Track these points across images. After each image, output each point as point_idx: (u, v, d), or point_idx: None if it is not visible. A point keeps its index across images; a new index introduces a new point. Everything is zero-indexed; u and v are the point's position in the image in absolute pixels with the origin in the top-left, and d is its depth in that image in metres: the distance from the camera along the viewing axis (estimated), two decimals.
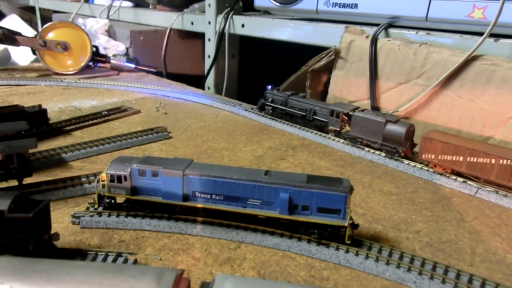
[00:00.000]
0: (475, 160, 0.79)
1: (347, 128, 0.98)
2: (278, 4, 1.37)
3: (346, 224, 0.57)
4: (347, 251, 0.58)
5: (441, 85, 0.91)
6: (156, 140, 1.00)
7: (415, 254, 0.57)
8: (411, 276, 0.53)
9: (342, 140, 0.99)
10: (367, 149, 0.95)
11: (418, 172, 0.85)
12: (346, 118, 0.97)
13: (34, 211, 0.49)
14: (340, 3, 1.21)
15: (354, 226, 0.60)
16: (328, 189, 0.57)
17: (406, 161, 0.88)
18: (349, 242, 0.58)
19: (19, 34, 1.66)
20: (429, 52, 0.92)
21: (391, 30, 1.07)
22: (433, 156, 0.84)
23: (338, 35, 1.19)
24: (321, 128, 1.06)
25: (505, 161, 0.75)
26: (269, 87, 1.20)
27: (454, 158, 0.81)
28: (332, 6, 1.24)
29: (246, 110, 1.23)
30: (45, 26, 1.67)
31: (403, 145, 0.88)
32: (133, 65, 1.80)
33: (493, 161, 0.76)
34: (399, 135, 0.88)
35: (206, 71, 1.76)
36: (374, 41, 1.03)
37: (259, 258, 0.58)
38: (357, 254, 0.57)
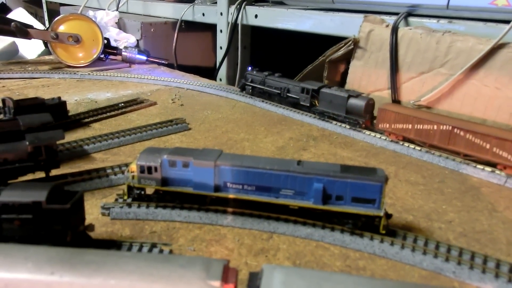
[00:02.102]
0: (421, 127, 0.89)
1: (316, 103, 1.08)
2: None
3: (382, 214, 0.57)
4: (382, 241, 0.57)
5: (466, 73, 0.89)
6: (176, 132, 1.00)
7: (451, 244, 0.56)
8: (450, 266, 0.52)
9: (363, 131, 0.99)
10: (389, 139, 0.94)
11: (444, 162, 0.84)
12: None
13: (71, 202, 0.49)
14: None
15: (387, 216, 0.60)
16: (364, 179, 0.56)
17: (424, 149, 0.88)
18: (384, 232, 0.58)
19: (31, 27, 1.65)
20: (452, 41, 0.91)
21: (411, 19, 1.06)
22: (387, 125, 0.94)
23: (355, 24, 1.18)
24: (295, 104, 1.15)
25: (445, 126, 0.85)
26: (249, 68, 1.29)
27: (404, 126, 0.91)
28: None
29: (262, 101, 1.22)
30: (56, 18, 1.66)
31: (363, 116, 0.98)
32: (144, 57, 1.79)
33: (435, 127, 0.87)
34: (359, 108, 0.98)
35: (218, 63, 1.75)
36: (394, 30, 1.02)
37: (292, 249, 0.58)
38: (392, 244, 0.56)
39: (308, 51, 1.43)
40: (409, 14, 1.06)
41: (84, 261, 0.37)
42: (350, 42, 1.11)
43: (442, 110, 0.94)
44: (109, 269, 0.36)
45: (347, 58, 1.16)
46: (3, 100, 0.91)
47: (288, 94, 1.14)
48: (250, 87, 1.26)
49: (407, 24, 1.05)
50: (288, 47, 1.91)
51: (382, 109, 0.94)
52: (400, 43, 1.02)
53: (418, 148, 0.89)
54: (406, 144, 0.91)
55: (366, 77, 1.11)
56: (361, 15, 1.15)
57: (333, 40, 1.23)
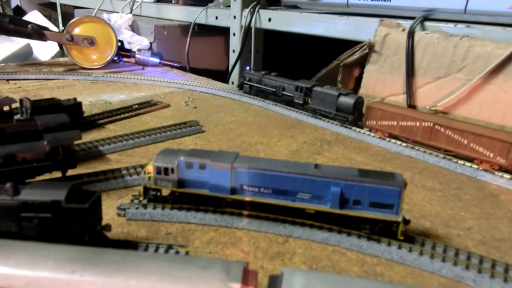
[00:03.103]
0: (405, 124, 0.94)
1: (309, 101, 1.13)
2: None
3: (400, 220, 0.56)
4: (399, 247, 0.56)
5: (484, 79, 0.88)
6: (190, 134, 1.00)
7: (471, 252, 0.55)
8: (470, 274, 0.51)
9: (377, 136, 0.98)
10: (404, 144, 0.93)
11: (461, 169, 0.83)
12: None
13: (89, 202, 0.49)
14: None
15: (406, 221, 0.59)
16: (382, 184, 0.56)
17: (441, 155, 0.87)
18: (402, 238, 0.57)
19: (47, 29, 1.68)
20: (470, 45, 0.90)
21: (427, 23, 1.05)
22: (374, 122, 0.99)
23: (369, 28, 1.17)
24: (289, 102, 1.20)
25: (426, 123, 0.90)
26: (247, 68, 1.36)
27: (389, 123, 0.96)
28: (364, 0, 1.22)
29: (276, 105, 1.22)
30: (72, 21, 1.68)
31: (352, 114, 1.03)
32: (157, 60, 1.80)
33: (417, 123, 0.91)
34: (348, 106, 1.02)
35: (230, 66, 1.76)
36: (411, 34, 1.01)
37: (309, 253, 0.57)
38: (410, 250, 0.56)
39: (321, 55, 1.43)
40: (426, 18, 1.05)
41: (104, 261, 0.37)
42: (365, 46, 1.10)
43: (459, 115, 0.93)
44: (129, 269, 0.36)
45: (362, 62, 1.15)
46: (21, 101, 0.92)
47: (283, 92, 1.19)
48: (248, 86, 1.31)
49: (423, 28, 1.04)
50: (301, 51, 1.91)
51: (369, 107, 0.99)
52: (416, 47, 1.01)
53: (435, 154, 0.88)
54: (422, 149, 0.90)
55: (381, 82, 1.10)
56: (376, 19, 1.14)
57: (346, 44, 1.23)
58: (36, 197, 0.48)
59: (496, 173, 0.79)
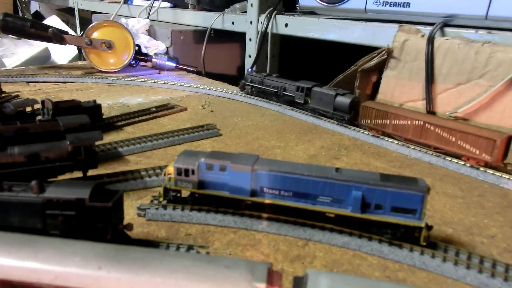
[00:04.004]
0: (397, 122, 0.97)
1: (309, 101, 1.18)
2: (325, 3, 1.35)
3: (423, 225, 0.55)
4: (422, 253, 0.55)
5: (507, 85, 0.87)
6: (207, 137, 1.00)
7: (496, 259, 0.54)
8: (496, 282, 0.50)
9: (396, 141, 0.97)
10: (424, 150, 0.92)
11: (483, 176, 0.81)
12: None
13: (112, 201, 0.49)
14: (391, 2, 1.19)
15: (428, 227, 0.58)
16: (405, 188, 0.55)
17: (461, 162, 0.86)
18: (424, 243, 0.56)
19: (66, 33, 1.71)
20: (492, 51, 0.89)
21: (447, 29, 1.04)
22: (368, 121, 1.03)
23: (387, 34, 1.17)
24: (290, 102, 1.24)
25: (417, 121, 0.93)
26: (249, 70, 1.40)
27: (383, 122, 1.00)
28: (382, 5, 1.21)
29: (292, 109, 1.22)
30: (91, 25, 1.71)
31: (348, 113, 1.07)
32: (173, 64, 1.82)
33: (409, 122, 0.95)
34: (345, 105, 1.07)
35: (246, 71, 1.76)
36: (431, 40, 1.00)
37: (329, 257, 0.57)
38: (433, 257, 0.55)
39: (338, 60, 1.42)
40: (445, 24, 1.04)
41: (130, 258, 0.37)
42: (384, 52, 1.10)
43: (480, 122, 0.92)
44: (155, 266, 0.36)
45: (380, 68, 1.14)
46: (43, 102, 0.93)
47: (284, 93, 1.24)
48: (250, 87, 1.35)
49: (443, 34, 1.03)
50: (317, 56, 1.91)
51: (364, 106, 1.03)
52: (436, 53, 1.00)
53: (455, 160, 0.87)
54: (442, 156, 0.89)
55: (400, 87, 1.09)
56: (395, 25, 1.13)
57: (363, 50, 1.22)
58: (61, 195, 0.49)
59: None
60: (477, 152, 0.84)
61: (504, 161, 0.84)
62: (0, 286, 0.36)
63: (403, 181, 0.56)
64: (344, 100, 1.08)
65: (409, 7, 1.14)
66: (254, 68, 1.66)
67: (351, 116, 1.07)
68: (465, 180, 0.82)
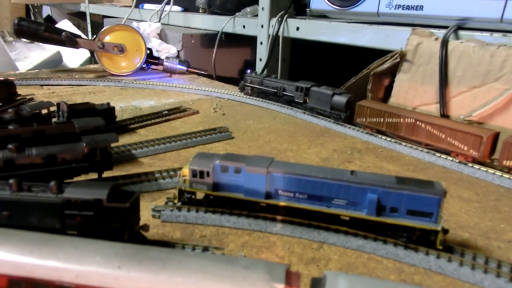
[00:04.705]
0: (390, 120, 1.01)
1: (307, 100, 1.22)
2: (337, 7, 1.35)
3: (439, 228, 0.55)
4: (438, 257, 0.55)
5: None
6: (219, 140, 1.00)
7: None
8: None
9: (409, 145, 0.97)
10: (438, 154, 0.91)
11: (499, 180, 0.81)
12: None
13: (130, 201, 0.50)
14: (404, 5, 1.18)
15: (444, 231, 0.58)
16: (421, 191, 0.55)
17: (476, 166, 0.86)
18: (440, 247, 0.56)
19: (79, 37, 1.73)
20: (508, 54, 0.88)
21: (461, 32, 1.03)
22: (364, 119, 1.07)
23: (400, 37, 1.16)
24: (289, 102, 1.29)
25: (409, 119, 0.97)
26: (248, 71, 1.42)
27: (377, 120, 1.03)
28: (395, 8, 1.21)
29: (304, 113, 1.22)
30: (103, 29, 1.73)
31: (345, 111, 1.11)
32: (184, 68, 1.83)
33: (401, 120, 0.98)
34: (341, 104, 1.11)
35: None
36: (444, 43, 1.00)
37: (344, 260, 0.56)
38: (450, 261, 0.54)
39: (349, 64, 1.42)
40: (459, 27, 1.03)
41: (149, 257, 0.37)
42: (397, 55, 1.10)
43: (496, 126, 0.91)
44: (174, 266, 0.36)
45: (393, 71, 1.14)
46: (58, 104, 0.94)
47: (284, 93, 1.28)
48: (249, 87, 1.39)
49: (457, 37, 1.02)
50: (328, 59, 1.91)
51: (359, 105, 1.07)
52: (450, 56, 0.99)
53: (470, 164, 0.86)
54: (456, 160, 0.88)
55: (413, 91, 1.09)
56: (407, 28, 1.13)
57: (375, 53, 1.22)
58: (79, 196, 0.49)
59: None
60: (465, 148, 0.87)
61: (491, 157, 0.86)
62: (23, 284, 0.36)
63: (419, 184, 0.56)
64: (340, 99, 1.12)
65: (422, 10, 1.14)
66: (265, 72, 1.67)
67: (347, 114, 1.12)
68: (480, 184, 0.81)
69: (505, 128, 0.89)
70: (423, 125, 0.94)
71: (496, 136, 0.86)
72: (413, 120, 0.96)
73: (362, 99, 1.11)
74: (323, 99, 1.16)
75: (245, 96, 1.40)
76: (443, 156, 0.91)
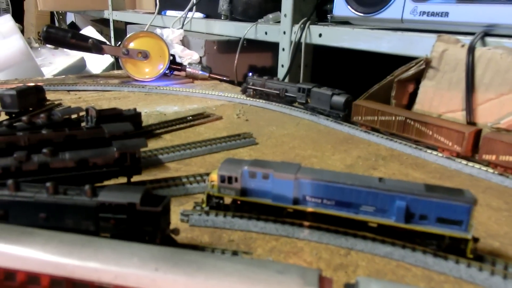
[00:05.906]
0: (383, 118, 1.06)
1: (309, 100, 1.29)
2: (360, 13, 1.35)
3: (470, 237, 0.54)
4: (468, 265, 0.54)
5: None
6: (244, 146, 1.01)
7: None
8: None
9: (435, 152, 0.96)
10: (464, 162, 0.90)
11: None
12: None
13: (162, 205, 0.51)
14: (429, 12, 1.18)
15: (475, 239, 0.57)
16: (451, 199, 0.54)
17: (506, 175, 0.84)
18: (471, 256, 0.55)
19: (105, 43, 1.77)
20: None
21: (488, 39, 1.02)
22: (359, 118, 1.13)
23: (424, 44, 1.16)
24: (291, 102, 1.36)
25: (400, 117, 1.03)
26: (250, 74, 1.50)
27: (371, 118, 1.10)
28: (420, 15, 1.20)
29: (327, 119, 1.22)
30: (128, 36, 1.76)
31: (343, 110, 1.18)
32: (207, 74, 1.85)
33: (393, 118, 1.04)
34: (340, 103, 1.18)
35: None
36: (471, 50, 0.99)
37: (372, 266, 0.56)
38: (480, 269, 0.54)
39: (371, 70, 1.42)
40: (486, 34, 1.02)
41: (185, 260, 0.38)
42: (422, 62, 1.09)
43: None
44: (209, 269, 0.37)
45: (417, 78, 1.13)
46: (87, 110, 0.97)
47: (286, 94, 1.35)
48: (252, 90, 1.46)
49: (484, 44, 1.01)
50: (351, 66, 1.90)
51: (355, 104, 1.13)
52: (477, 63, 0.98)
53: (498, 172, 0.84)
54: (484, 168, 0.87)
55: (438, 98, 1.08)
56: (432, 35, 1.12)
57: (397, 59, 1.22)
58: (113, 199, 0.51)
59: None
60: (450, 143, 0.93)
61: (474, 152, 0.92)
62: (63, 283, 0.37)
63: (449, 192, 0.56)
64: (339, 99, 1.18)
65: (447, 16, 1.13)
66: (286, 78, 1.67)
67: (345, 113, 1.18)
68: (510, 193, 0.79)
69: None
70: (412, 123, 1.00)
71: (478, 132, 0.92)
72: (404, 118, 1.02)
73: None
74: (323, 99, 1.22)
75: (269, 102, 1.41)
76: (470, 164, 0.89)
